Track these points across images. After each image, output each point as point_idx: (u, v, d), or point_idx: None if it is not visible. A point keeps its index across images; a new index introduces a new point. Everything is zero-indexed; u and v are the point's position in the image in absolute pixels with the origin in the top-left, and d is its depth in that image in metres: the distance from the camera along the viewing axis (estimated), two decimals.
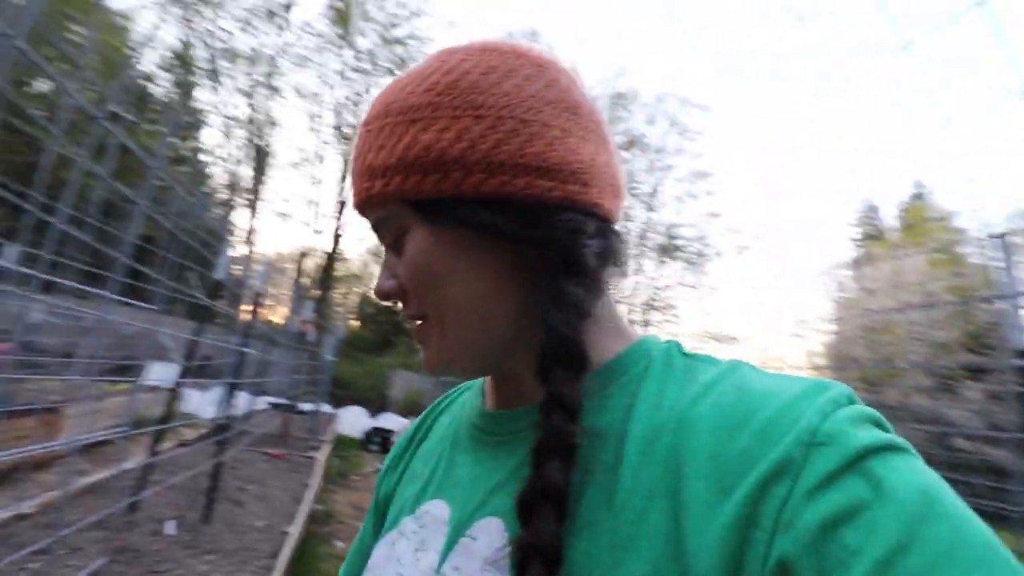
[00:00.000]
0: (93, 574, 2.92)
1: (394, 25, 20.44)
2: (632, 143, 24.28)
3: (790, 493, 0.30)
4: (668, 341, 0.45)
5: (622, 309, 0.47)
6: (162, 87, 18.60)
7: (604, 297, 0.44)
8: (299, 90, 20.43)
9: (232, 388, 4.79)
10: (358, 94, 21.25)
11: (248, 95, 19.70)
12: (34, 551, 2.37)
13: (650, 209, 25.63)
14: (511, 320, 0.42)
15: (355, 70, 21.20)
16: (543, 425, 0.36)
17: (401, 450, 0.58)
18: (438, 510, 0.45)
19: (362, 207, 0.43)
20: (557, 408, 0.36)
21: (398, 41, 20.74)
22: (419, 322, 0.44)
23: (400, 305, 0.45)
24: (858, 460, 0.29)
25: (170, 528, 3.76)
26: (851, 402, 0.34)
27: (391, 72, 23.61)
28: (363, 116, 0.44)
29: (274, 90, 20.09)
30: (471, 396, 0.54)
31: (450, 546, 0.41)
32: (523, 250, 0.40)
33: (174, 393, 4.39)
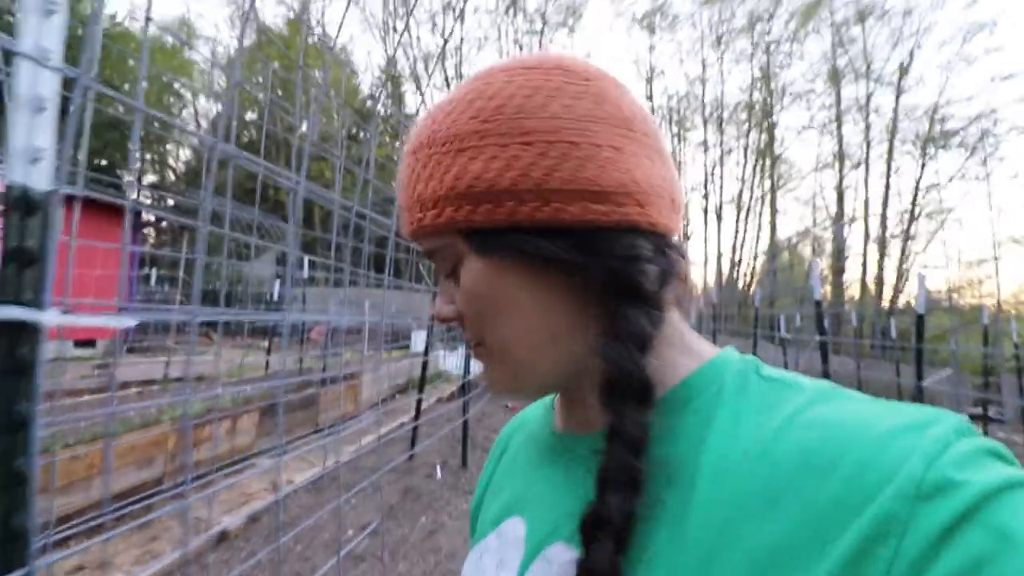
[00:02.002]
0: (391, 507, 3.73)
1: None
2: (863, 15, 19.43)
3: (896, 556, 0.26)
4: (743, 359, 0.41)
5: (686, 328, 0.44)
6: (380, 102, 21.74)
7: (671, 315, 0.42)
8: None
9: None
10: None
11: (446, 88, 21.65)
12: (354, 491, 3.11)
13: (899, 92, 20.32)
14: (571, 349, 0.40)
15: (528, 32, 21.41)
16: (606, 456, 0.35)
17: (491, 462, 0.59)
18: (516, 528, 0.45)
19: (415, 236, 0.43)
20: (619, 442, 0.35)
21: None
22: (478, 346, 0.43)
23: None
24: (975, 508, 0.26)
25: (439, 472, 4.54)
26: (961, 436, 0.30)
27: (563, 24, 23.23)
28: (408, 143, 0.43)
29: (463, 78, 21.62)
30: (545, 413, 0.53)
31: (526, 566, 0.41)
32: (581, 277, 0.39)
33: (427, 355, 5.21)
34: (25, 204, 0.61)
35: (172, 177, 24.57)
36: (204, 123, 24.52)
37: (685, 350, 0.42)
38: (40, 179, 0.62)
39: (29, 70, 0.61)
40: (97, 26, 0.63)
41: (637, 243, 0.38)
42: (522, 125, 0.37)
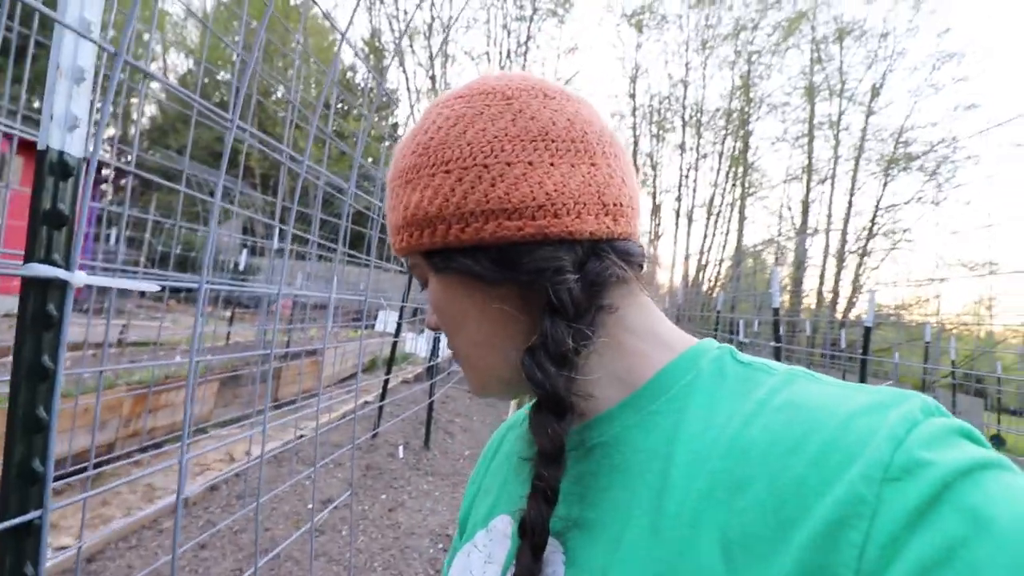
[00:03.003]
0: (353, 483, 3.77)
1: None
2: (843, 34, 20.02)
3: (867, 540, 0.26)
4: (720, 347, 0.42)
5: (662, 319, 0.45)
6: (360, 74, 21.26)
7: (640, 309, 0.44)
8: (469, 54, 21.36)
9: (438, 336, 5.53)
10: (521, 44, 21.37)
11: (429, 67, 21.32)
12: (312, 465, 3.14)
13: (869, 113, 21.10)
14: (514, 358, 0.42)
15: (517, 19, 21.27)
16: (533, 471, 0.38)
17: (482, 465, 0.60)
18: (503, 525, 0.47)
19: (399, 256, 0.48)
20: (538, 455, 0.38)
21: None
22: (454, 352, 0.48)
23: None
24: (945, 489, 0.26)
25: (401, 452, 4.60)
26: (928, 415, 0.30)
27: (553, 13, 23.11)
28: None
29: (449, 58, 21.34)
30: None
31: (511, 558, 0.43)
32: (517, 291, 0.41)
33: (397, 337, 5.23)
34: (62, 169, 0.64)
35: (133, 132, 23.43)
36: (173, 77, 23.41)
37: (658, 344, 0.43)
38: (76, 146, 0.65)
39: (71, 41, 0.64)
40: (136, 6, 0.65)
41: (553, 254, 0.39)
42: (443, 155, 0.41)
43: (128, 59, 0.70)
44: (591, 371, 0.40)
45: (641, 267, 0.44)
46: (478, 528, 0.49)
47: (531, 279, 0.40)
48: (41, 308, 0.64)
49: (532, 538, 0.36)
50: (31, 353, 0.64)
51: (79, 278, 0.65)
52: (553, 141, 0.40)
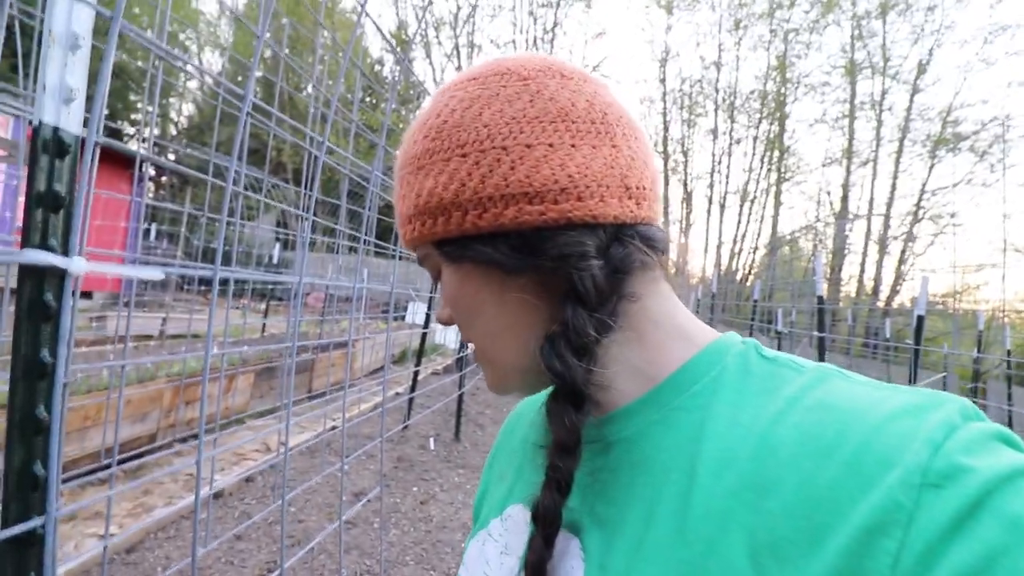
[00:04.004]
0: (384, 475, 3.77)
1: None
2: (885, 9, 19.06)
3: (902, 547, 0.25)
4: (744, 342, 0.40)
5: (686, 312, 0.43)
6: (388, 66, 21.35)
7: (662, 301, 0.42)
8: (495, 42, 21.19)
9: None
10: (548, 30, 21.09)
11: (456, 57, 21.25)
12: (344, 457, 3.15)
13: (914, 91, 20.06)
14: (535, 349, 0.41)
15: (543, 5, 20.96)
16: (547, 460, 0.37)
17: (496, 447, 0.59)
18: (520, 514, 0.45)
19: (408, 247, 0.46)
20: (554, 446, 0.37)
21: None
22: (471, 346, 0.46)
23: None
24: (985, 496, 0.25)
25: (432, 444, 4.58)
26: (967, 419, 0.29)
27: None
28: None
29: (475, 47, 21.23)
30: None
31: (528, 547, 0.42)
32: (534, 279, 0.40)
33: (426, 329, 5.22)
34: (56, 146, 0.58)
35: (173, 131, 24.19)
36: (208, 78, 24.04)
37: (681, 336, 0.41)
38: (72, 121, 0.59)
39: (64, 5, 0.57)
40: None
41: (576, 239, 0.38)
42: (459, 138, 0.39)
43: (129, 26, 0.63)
44: (611, 362, 0.39)
45: (664, 253, 0.43)
46: (492, 516, 0.49)
47: (554, 265, 0.38)
48: (38, 298, 0.59)
49: (544, 527, 0.36)
50: (29, 348, 0.59)
51: (78, 265, 0.59)
52: (574, 122, 0.39)
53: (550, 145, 0.38)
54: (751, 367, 0.38)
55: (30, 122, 0.59)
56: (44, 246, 0.58)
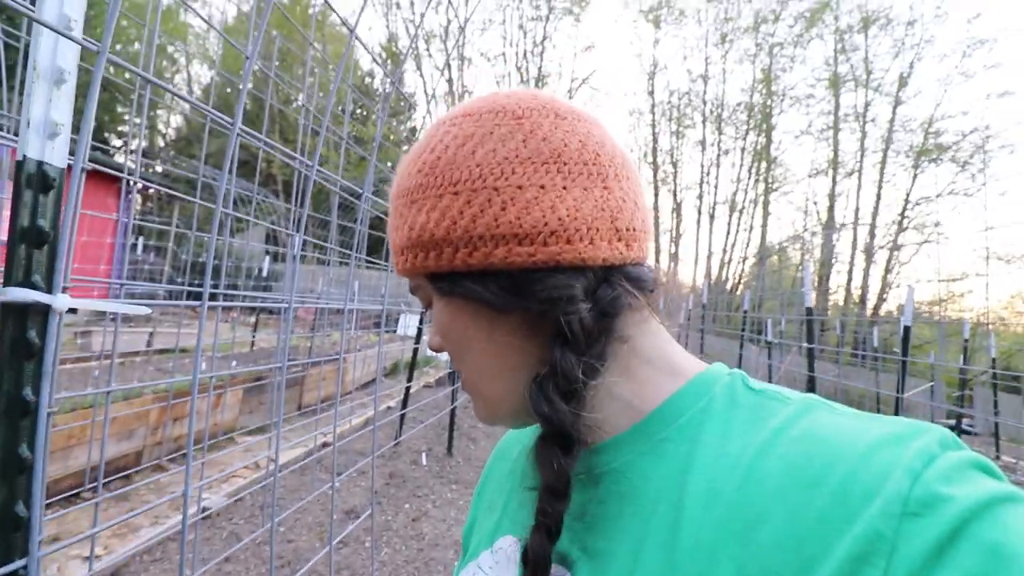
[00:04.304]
0: (376, 492, 3.73)
1: None
2: (868, 23, 19.47)
3: None
4: (731, 373, 0.41)
5: (673, 346, 0.44)
6: (378, 79, 21.43)
7: (648, 335, 0.42)
8: (485, 55, 21.38)
9: None
10: (537, 43, 21.32)
11: (445, 70, 21.39)
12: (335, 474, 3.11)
13: (897, 103, 20.46)
14: (522, 387, 0.41)
15: (533, 19, 21.21)
16: (537, 504, 0.37)
17: (485, 476, 0.59)
18: (510, 547, 0.45)
19: (401, 276, 0.46)
20: (543, 489, 0.37)
21: None
22: (461, 376, 0.46)
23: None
24: (963, 525, 0.25)
25: (424, 459, 4.54)
26: (946, 448, 0.30)
27: (569, 12, 23.01)
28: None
29: (465, 60, 21.40)
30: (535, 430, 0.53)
31: None
32: (526, 318, 0.40)
33: (418, 343, 5.19)
34: (41, 181, 0.57)
35: (161, 143, 24.06)
36: (197, 89, 23.97)
37: (668, 369, 0.42)
38: (57, 155, 0.58)
39: (50, 40, 0.57)
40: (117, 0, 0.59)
41: (565, 282, 0.38)
42: (451, 176, 0.39)
43: (113, 58, 0.63)
44: (600, 401, 0.39)
45: (652, 292, 0.43)
46: (483, 547, 0.48)
47: (542, 308, 0.38)
48: (21, 335, 0.58)
49: (535, 571, 0.36)
50: (11, 386, 0.57)
51: (62, 301, 0.59)
52: (566, 163, 0.39)
53: (541, 187, 0.38)
54: (738, 398, 0.38)
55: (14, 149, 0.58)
56: (27, 283, 0.58)
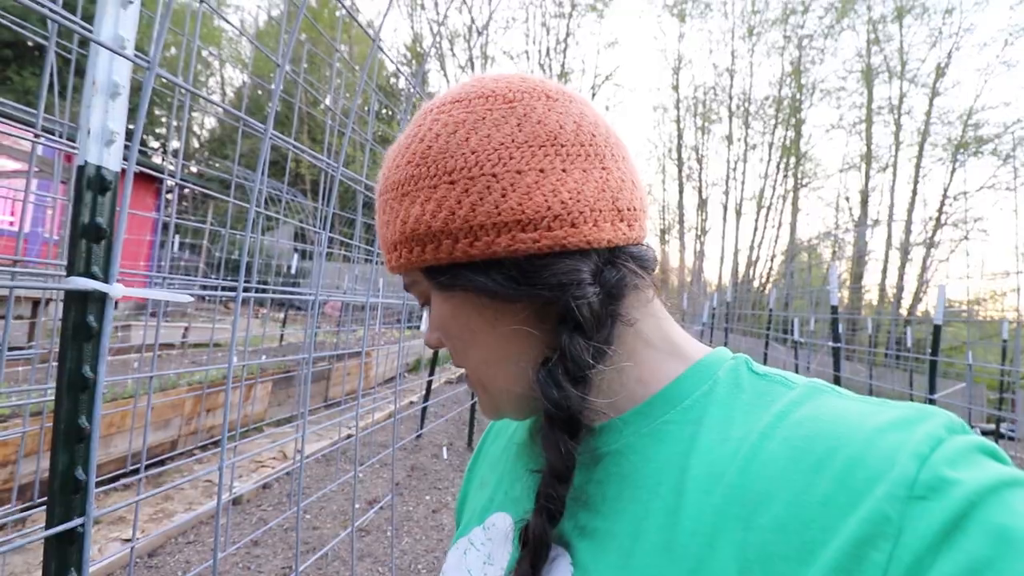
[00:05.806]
0: (398, 484, 3.83)
1: None
2: (901, 13, 18.83)
3: (891, 560, 0.25)
4: (735, 357, 0.41)
5: (677, 330, 0.44)
6: (403, 79, 21.71)
7: (652, 317, 0.42)
8: (508, 53, 21.42)
9: None
10: (560, 41, 21.26)
11: (470, 68, 21.53)
12: (359, 465, 3.21)
13: (934, 94, 19.74)
14: (530, 376, 0.40)
15: (556, 16, 21.16)
16: (540, 487, 0.38)
17: (477, 453, 0.59)
18: (503, 523, 0.45)
19: (392, 273, 0.45)
20: (547, 471, 0.37)
21: None
22: (466, 373, 0.46)
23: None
24: (971, 508, 0.25)
25: (444, 453, 4.63)
26: (952, 432, 0.29)
27: (592, 8, 22.87)
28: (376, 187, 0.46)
29: (488, 59, 21.48)
30: None
31: (512, 565, 0.41)
32: (528, 306, 0.39)
33: None
34: (99, 183, 0.65)
35: (196, 144, 24.83)
36: (230, 91, 24.65)
37: (672, 351, 0.41)
38: (112, 160, 0.66)
39: (106, 58, 0.65)
40: (166, 18, 0.66)
41: (572, 266, 0.37)
42: (446, 165, 0.38)
43: (161, 72, 0.71)
44: (606, 384, 0.39)
45: (654, 271, 0.43)
46: (474, 524, 0.48)
47: (551, 295, 0.37)
48: (82, 320, 0.66)
49: (533, 553, 0.36)
50: (73, 364, 0.65)
51: (117, 290, 0.66)
52: (563, 146, 0.38)
53: (541, 171, 0.37)
54: (742, 382, 0.38)
55: (69, 156, 0.66)
56: (88, 273, 0.65)
